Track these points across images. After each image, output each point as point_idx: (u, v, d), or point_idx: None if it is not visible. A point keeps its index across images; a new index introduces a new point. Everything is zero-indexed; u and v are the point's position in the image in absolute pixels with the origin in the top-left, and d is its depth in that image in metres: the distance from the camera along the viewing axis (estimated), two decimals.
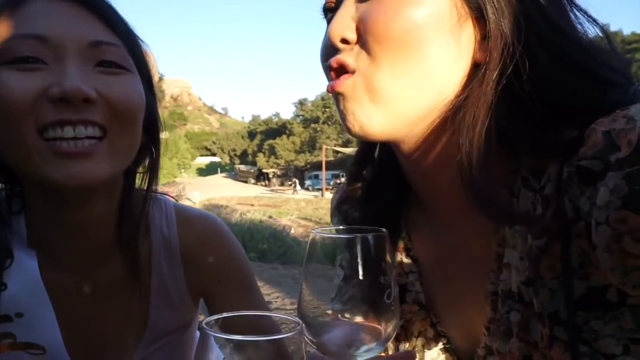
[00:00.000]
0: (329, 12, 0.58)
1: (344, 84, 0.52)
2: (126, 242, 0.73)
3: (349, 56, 0.52)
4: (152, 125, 0.73)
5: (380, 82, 0.51)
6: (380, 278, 0.46)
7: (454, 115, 0.51)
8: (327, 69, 0.54)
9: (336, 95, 0.54)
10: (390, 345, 0.67)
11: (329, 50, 0.54)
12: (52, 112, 0.59)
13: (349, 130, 0.54)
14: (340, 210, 0.71)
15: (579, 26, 0.51)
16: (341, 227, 0.58)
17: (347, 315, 0.48)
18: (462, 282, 0.61)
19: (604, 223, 0.41)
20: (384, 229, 0.48)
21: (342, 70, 0.53)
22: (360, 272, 0.46)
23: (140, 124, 0.68)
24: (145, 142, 0.72)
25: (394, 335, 0.48)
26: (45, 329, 0.70)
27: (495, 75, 0.49)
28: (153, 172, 0.75)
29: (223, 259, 0.82)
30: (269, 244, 8.88)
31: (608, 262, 0.42)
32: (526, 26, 0.49)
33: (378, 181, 0.67)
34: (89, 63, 0.63)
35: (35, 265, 0.70)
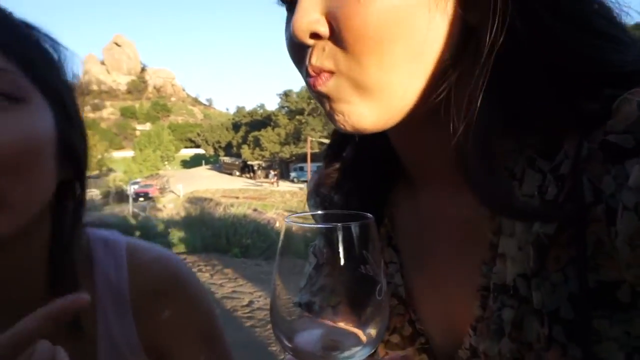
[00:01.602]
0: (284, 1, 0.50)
1: (327, 85, 0.45)
2: (60, 291, 0.62)
3: (325, 59, 0.45)
4: (73, 158, 0.60)
5: (368, 79, 0.44)
6: (360, 268, 0.39)
7: (449, 95, 0.45)
8: (303, 72, 0.48)
9: (319, 96, 0.47)
10: None
11: (297, 47, 0.47)
12: None
13: (339, 129, 0.48)
14: (318, 193, 0.65)
15: None
16: (319, 212, 0.52)
17: (316, 308, 0.42)
18: (447, 274, 0.55)
19: (632, 210, 0.35)
20: (369, 215, 0.42)
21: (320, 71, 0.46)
22: (339, 261, 0.39)
23: (46, 164, 0.55)
24: (67, 176, 0.60)
25: (383, 337, 0.42)
26: None
27: (489, 42, 0.42)
28: (78, 209, 0.62)
29: (182, 312, 0.69)
30: (252, 239, 8.81)
31: (627, 256, 0.36)
32: None
33: (359, 160, 0.61)
34: None
35: None
